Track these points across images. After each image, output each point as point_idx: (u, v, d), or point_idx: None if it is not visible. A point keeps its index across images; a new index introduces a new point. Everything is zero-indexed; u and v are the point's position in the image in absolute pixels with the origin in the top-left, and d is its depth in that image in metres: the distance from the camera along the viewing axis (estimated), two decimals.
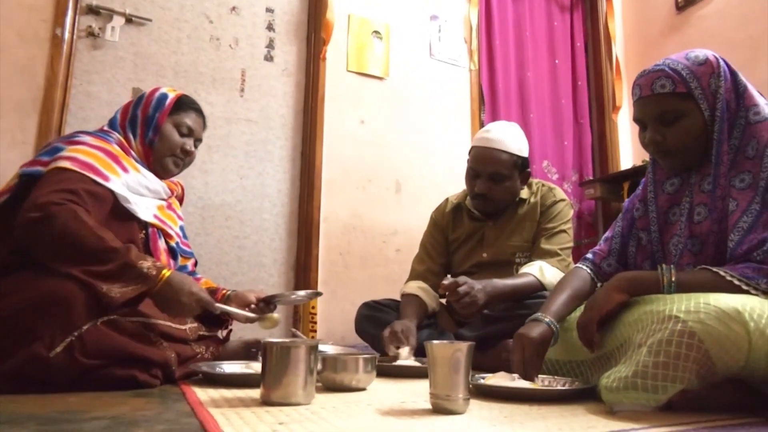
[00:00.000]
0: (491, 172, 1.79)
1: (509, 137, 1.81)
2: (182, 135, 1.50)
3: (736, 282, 1.01)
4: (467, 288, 1.52)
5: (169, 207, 1.53)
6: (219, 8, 2.51)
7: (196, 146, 1.56)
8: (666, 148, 1.19)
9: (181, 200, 1.63)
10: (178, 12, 2.42)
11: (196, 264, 1.64)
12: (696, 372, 0.92)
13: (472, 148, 1.86)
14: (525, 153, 1.84)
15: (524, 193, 1.88)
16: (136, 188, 1.37)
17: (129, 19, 2.28)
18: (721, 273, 1.03)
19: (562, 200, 1.86)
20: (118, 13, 2.26)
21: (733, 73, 1.18)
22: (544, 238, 1.79)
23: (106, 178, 1.28)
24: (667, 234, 1.25)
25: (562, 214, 1.83)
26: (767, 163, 1.08)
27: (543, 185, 1.91)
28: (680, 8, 3.10)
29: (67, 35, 2.12)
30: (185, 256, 1.55)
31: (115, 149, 1.37)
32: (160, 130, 1.46)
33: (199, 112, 1.56)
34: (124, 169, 1.35)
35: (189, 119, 1.52)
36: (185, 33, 2.42)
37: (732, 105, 1.16)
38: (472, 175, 1.84)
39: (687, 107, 1.16)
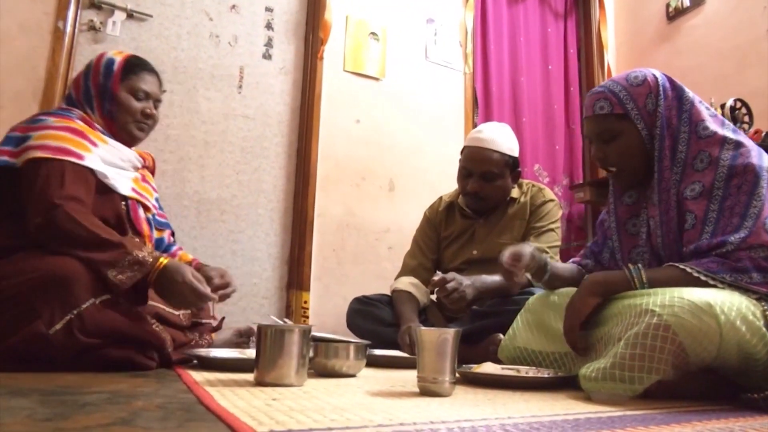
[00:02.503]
0: (483, 171, 1.83)
1: (501, 137, 1.86)
2: (139, 100, 1.45)
3: (703, 278, 1.06)
4: (455, 284, 1.57)
5: (144, 179, 1.51)
6: (219, 6, 2.55)
7: (156, 107, 1.50)
8: (608, 164, 1.27)
9: (152, 171, 1.60)
10: (178, 9, 2.45)
11: (173, 234, 1.62)
12: (671, 363, 0.96)
13: (465, 147, 1.91)
14: (516, 153, 1.89)
15: (515, 193, 1.93)
16: (112, 160, 1.35)
17: (130, 15, 2.31)
18: (688, 270, 1.08)
19: (551, 200, 1.91)
20: (120, 8, 2.29)
21: (677, 90, 1.23)
22: (533, 236, 1.84)
23: (81, 157, 1.26)
24: (629, 244, 1.31)
25: (551, 213, 1.88)
26: (721, 173, 1.13)
27: (533, 185, 1.96)
28: (671, 18, 3.17)
29: (68, 28, 2.15)
30: (160, 228, 1.54)
31: (80, 125, 1.33)
32: (116, 99, 1.41)
33: (151, 71, 1.50)
34: (93, 144, 1.32)
35: (143, 83, 1.45)
36: (185, 29, 2.45)
37: (673, 121, 1.21)
38: (465, 174, 1.89)
39: (624, 127, 1.22)
